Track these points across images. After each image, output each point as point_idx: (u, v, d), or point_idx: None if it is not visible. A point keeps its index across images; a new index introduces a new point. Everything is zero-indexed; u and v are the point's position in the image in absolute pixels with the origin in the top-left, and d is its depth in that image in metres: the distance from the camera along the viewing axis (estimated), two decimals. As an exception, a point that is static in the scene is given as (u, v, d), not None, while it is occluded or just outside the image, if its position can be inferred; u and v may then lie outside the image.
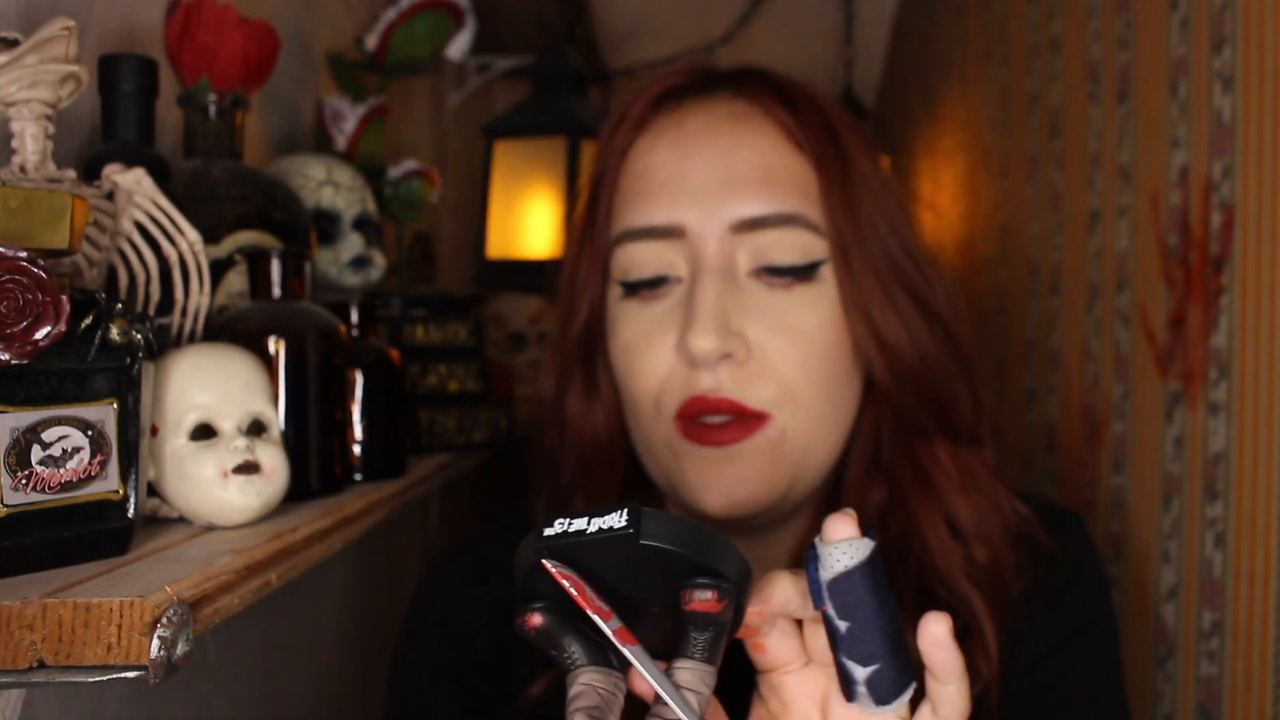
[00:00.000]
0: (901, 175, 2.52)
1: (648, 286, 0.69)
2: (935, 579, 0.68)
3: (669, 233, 0.68)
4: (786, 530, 0.73)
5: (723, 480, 0.67)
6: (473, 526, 1.74)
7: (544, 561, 0.42)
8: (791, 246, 0.67)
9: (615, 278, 0.71)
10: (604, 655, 0.44)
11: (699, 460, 0.67)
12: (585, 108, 1.70)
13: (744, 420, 0.66)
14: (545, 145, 1.65)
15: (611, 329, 0.72)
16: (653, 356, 0.68)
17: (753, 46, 2.46)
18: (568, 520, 0.42)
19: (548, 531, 0.42)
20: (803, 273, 0.68)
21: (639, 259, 0.69)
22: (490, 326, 1.77)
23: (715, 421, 0.67)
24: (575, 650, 0.44)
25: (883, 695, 0.45)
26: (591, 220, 0.74)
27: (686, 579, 0.42)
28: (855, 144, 0.71)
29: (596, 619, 0.42)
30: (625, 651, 0.42)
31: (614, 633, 0.42)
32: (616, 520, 0.41)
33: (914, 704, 0.47)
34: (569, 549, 0.42)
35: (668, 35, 2.48)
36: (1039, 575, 0.71)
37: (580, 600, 0.42)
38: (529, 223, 1.68)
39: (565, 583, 0.42)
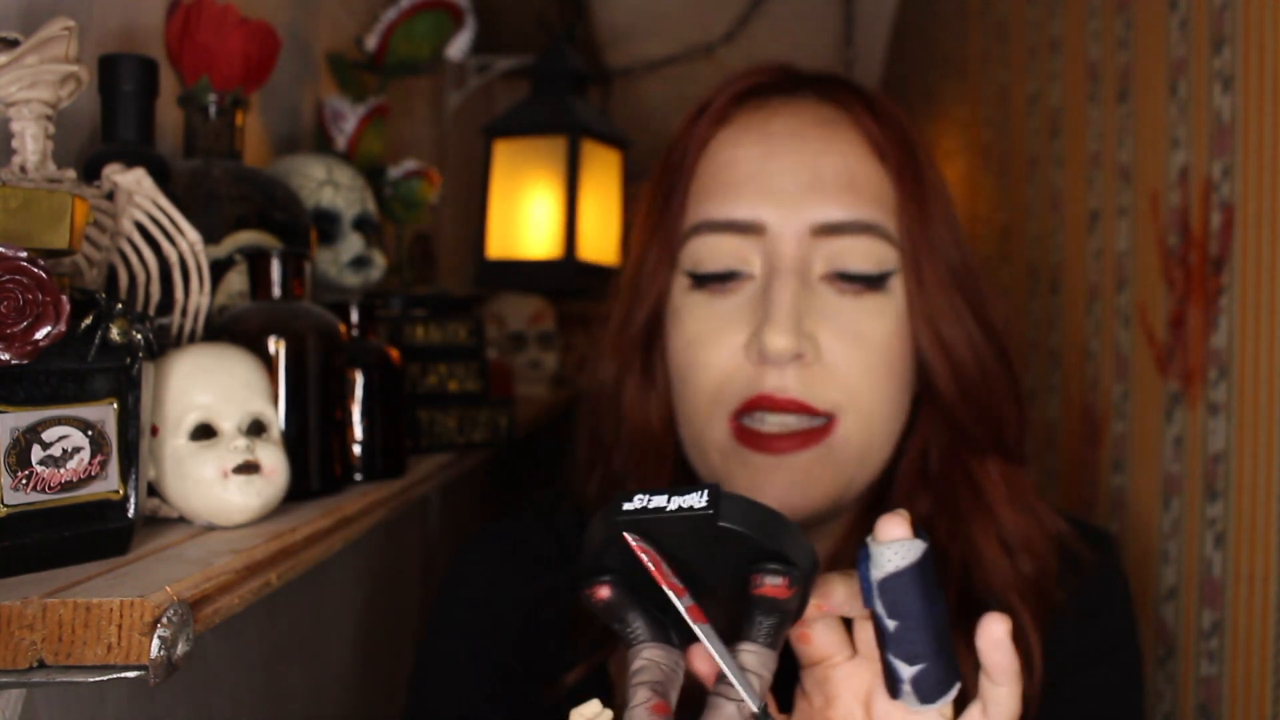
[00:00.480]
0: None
1: (719, 280, 0.69)
2: (986, 591, 0.68)
3: (748, 228, 0.68)
4: (824, 533, 0.73)
5: (775, 486, 0.67)
6: (473, 526, 1.74)
7: (625, 535, 0.42)
8: (866, 255, 0.68)
9: (685, 268, 0.71)
10: (665, 633, 0.45)
11: (750, 467, 0.67)
12: (585, 108, 1.70)
13: (804, 433, 0.66)
14: (545, 145, 1.65)
15: (675, 320, 0.71)
16: (719, 351, 0.68)
17: (753, 46, 2.45)
18: (647, 497, 0.43)
19: (627, 506, 0.43)
20: (875, 282, 0.68)
21: (713, 251, 0.69)
22: (490, 326, 1.77)
23: (773, 429, 0.67)
24: (638, 626, 0.44)
25: (927, 694, 0.45)
26: (664, 209, 0.72)
27: (758, 563, 0.43)
28: (929, 158, 0.72)
29: (671, 595, 0.42)
30: (696, 630, 0.42)
31: (686, 610, 0.42)
32: (697, 500, 0.42)
33: (958, 705, 0.47)
34: (647, 525, 0.42)
35: (668, 35, 2.48)
36: (1078, 590, 0.72)
37: (657, 575, 0.42)
38: (529, 223, 1.68)
39: (644, 557, 0.42)
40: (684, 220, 0.71)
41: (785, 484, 0.67)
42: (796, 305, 0.66)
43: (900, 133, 0.71)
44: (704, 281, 0.70)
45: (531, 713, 0.71)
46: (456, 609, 0.78)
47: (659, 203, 0.73)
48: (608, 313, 0.78)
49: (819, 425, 0.67)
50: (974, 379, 0.70)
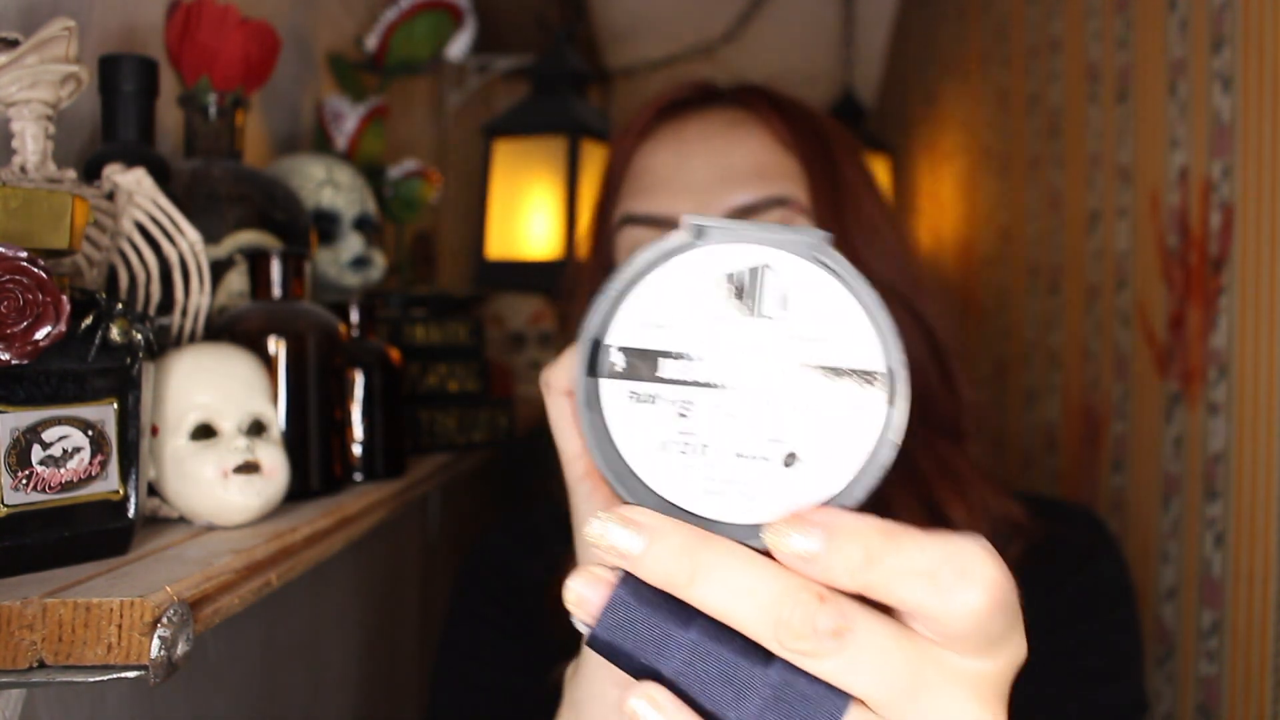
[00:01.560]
0: (902, 175, 2.53)
1: None
2: None
3: (666, 223, 0.72)
4: None
5: None
6: (473, 526, 1.74)
7: None
8: None
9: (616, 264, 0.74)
10: None
11: None
12: (585, 107, 1.70)
13: None
14: (545, 145, 1.65)
15: None
16: None
17: (753, 47, 2.46)
18: None
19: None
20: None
21: (639, 243, 0.72)
22: (490, 326, 1.77)
23: None
24: None
25: None
26: (602, 222, 0.79)
27: None
28: (843, 152, 0.76)
29: None
30: None
31: None
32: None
33: None
34: None
35: (668, 35, 2.48)
36: (1033, 564, 0.72)
37: None
38: (529, 223, 1.68)
39: None
40: (612, 220, 0.77)
41: None
42: None
43: (811, 127, 0.75)
44: None
45: (548, 687, 0.73)
46: (476, 588, 0.84)
47: (597, 220, 0.81)
48: (561, 315, 0.83)
49: None
50: None
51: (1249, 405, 0.93)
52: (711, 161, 0.73)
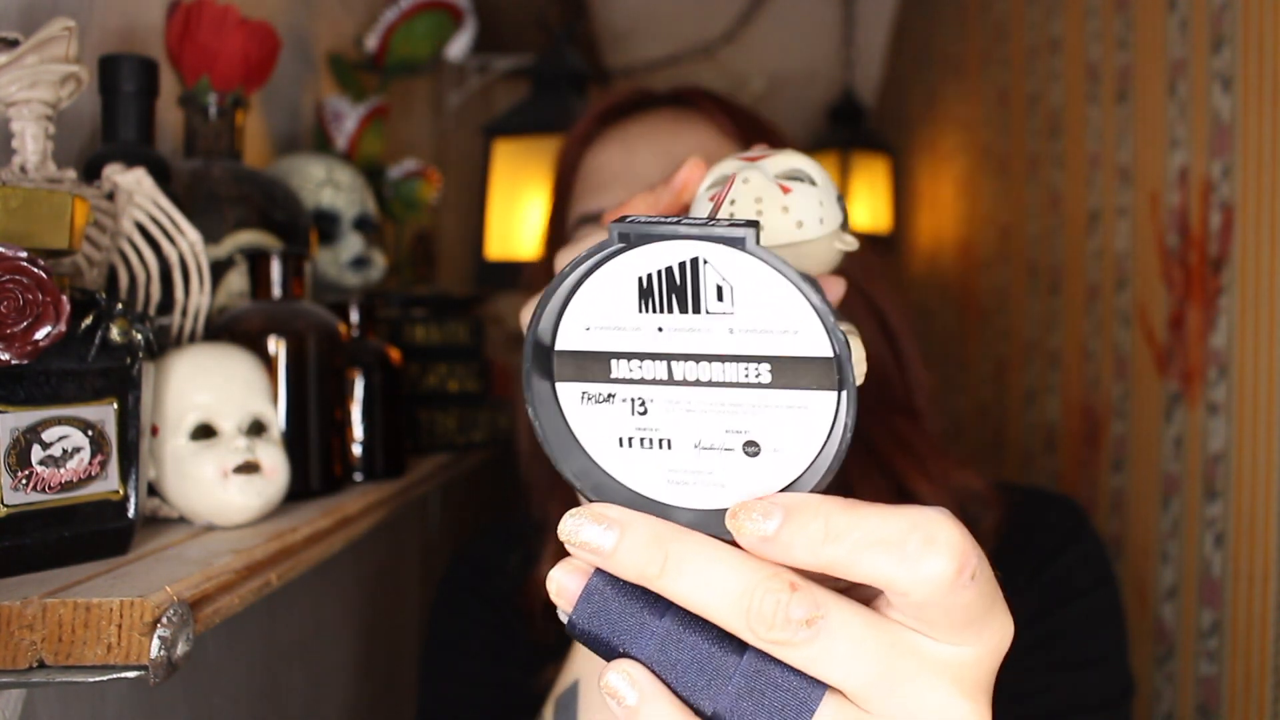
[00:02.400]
0: (902, 175, 2.53)
1: None
2: None
3: None
4: None
5: None
6: (473, 527, 1.74)
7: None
8: None
9: None
10: None
11: None
12: (585, 108, 1.70)
13: None
14: (545, 145, 1.65)
15: None
16: None
17: (753, 47, 2.46)
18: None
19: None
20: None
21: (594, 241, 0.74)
22: (490, 326, 1.77)
23: None
24: None
25: None
26: (555, 220, 0.83)
27: None
28: (782, 142, 0.78)
29: None
30: None
31: None
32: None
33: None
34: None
35: (668, 35, 2.48)
36: (1010, 554, 0.72)
37: None
38: (529, 223, 1.68)
39: None
40: (568, 223, 0.80)
41: None
42: None
43: (754, 121, 0.78)
44: None
45: (530, 694, 0.74)
46: (459, 594, 0.86)
47: (552, 220, 0.85)
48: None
49: None
50: None
51: (1249, 405, 0.93)
52: (657, 155, 0.76)
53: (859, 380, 0.35)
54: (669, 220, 0.34)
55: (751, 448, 0.34)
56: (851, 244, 0.46)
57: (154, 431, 0.61)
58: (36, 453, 0.49)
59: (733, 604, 0.30)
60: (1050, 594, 0.73)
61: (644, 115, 0.81)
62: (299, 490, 0.69)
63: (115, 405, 0.52)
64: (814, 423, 0.33)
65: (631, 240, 0.34)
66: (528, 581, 0.81)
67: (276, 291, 0.72)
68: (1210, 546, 1.00)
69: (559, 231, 0.83)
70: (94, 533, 0.52)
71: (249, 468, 0.61)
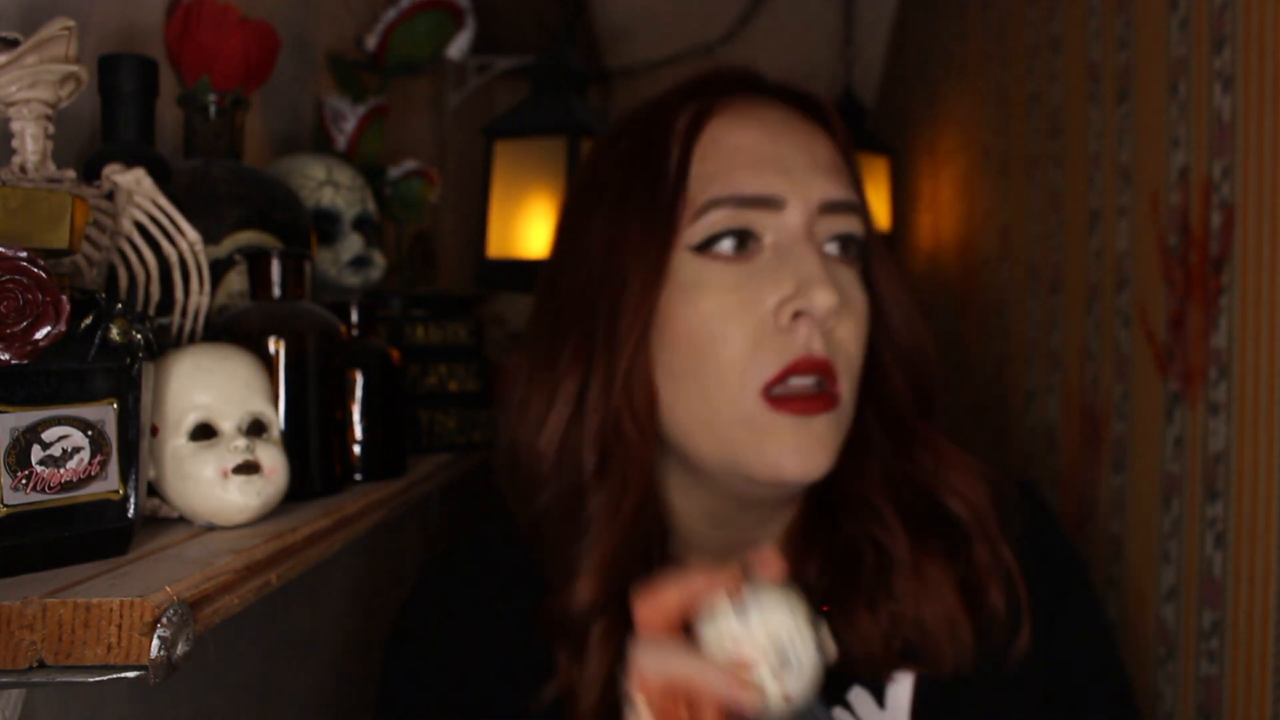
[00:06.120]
0: (902, 175, 2.53)
1: (738, 243, 0.69)
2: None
3: (767, 203, 0.69)
4: (782, 510, 0.75)
5: (805, 446, 0.68)
6: (473, 527, 1.73)
7: None
8: (854, 231, 0.72)
9: (690, 244, 0.70)
10: None
11: (783, 429, 0.68)
12: (585, 108, 1.70)
13: (823, 396, 0.69)
14: (545, 145, 1.65)
15: (684, 299, 0.70)
16: (748, 320, 0.69)
17: (753, 46, 2.46)
18: None
19: None
20: (859, 257, 0.73)
21: (729, 224, 0.70)
22: (490, 326, 1.77)
23: (806, 390, 0.68)
24: None
25: None
26: (651, 196, 0.70)
27: None
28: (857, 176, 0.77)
29: None
30: None
31: None
32: None
33: None
34: None
35: (668, 35, 2.48)
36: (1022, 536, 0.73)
37: None
38: (529, 223, 1.68)
39: None
40: (684, 201, 0.70)
41: (814, 443, 0.68)
42: (826, 265, 0.69)
43: (848, 136, 0.76)
44: (708, 246, 0.69)
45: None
46: (412, 665, 0.75)
47: (636, 191, 0.71)
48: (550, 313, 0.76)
49: (828, 390, 0.68)
50: (911, 347, 0.75)
51: (1249, 405, 0.93)
52: (801, 147, 0.71)
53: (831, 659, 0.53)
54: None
55: None
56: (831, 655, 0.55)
57: (154, 431, 0.61)
58: (36, 453, 0.49)
59: None
60: (1036, 614, 0.72)
61: (766, 101, 0.74)
62: (299, 490, 0.69)
63: (115, 405, 0.52)
64: None
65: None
66: (563, 677, 0.69)
67: (276, 291, 0.72)
68: (1211, 547, 1.00)
69: (657, 213, 0.70)
70: (94, 533, 0.52)
71: (249, 468, 0.61)
